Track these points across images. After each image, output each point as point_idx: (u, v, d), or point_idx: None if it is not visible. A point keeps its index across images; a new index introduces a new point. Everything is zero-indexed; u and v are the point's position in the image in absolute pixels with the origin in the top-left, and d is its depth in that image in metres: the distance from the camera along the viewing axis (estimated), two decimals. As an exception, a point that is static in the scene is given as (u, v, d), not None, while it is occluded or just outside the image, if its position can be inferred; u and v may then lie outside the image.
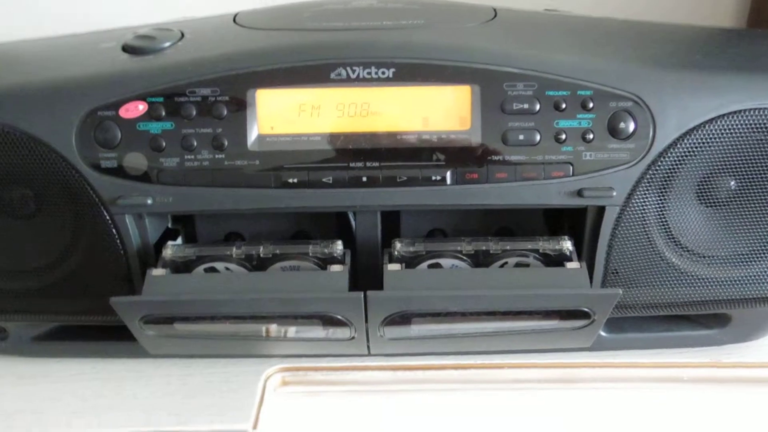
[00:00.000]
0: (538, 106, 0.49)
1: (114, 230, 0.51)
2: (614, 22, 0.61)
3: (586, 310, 0.48)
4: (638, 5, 0.89)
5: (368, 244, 0.53)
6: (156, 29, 0.56)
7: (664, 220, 0.52)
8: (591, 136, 0.50)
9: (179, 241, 0.57)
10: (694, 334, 0.59)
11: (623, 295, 0.54)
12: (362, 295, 0.46)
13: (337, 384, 0.60)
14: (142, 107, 0.49)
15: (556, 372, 0.59)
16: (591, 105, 0.49)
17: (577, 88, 0.49)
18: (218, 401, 0.56)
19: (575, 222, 0.54)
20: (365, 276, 0.53)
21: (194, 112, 0.49)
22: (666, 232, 0.53)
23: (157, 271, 0.50)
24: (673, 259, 0.54)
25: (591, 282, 0.52)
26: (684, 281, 0.54)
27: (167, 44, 0.53)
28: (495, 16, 0.57)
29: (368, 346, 0.53)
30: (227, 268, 0.51)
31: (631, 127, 0.49)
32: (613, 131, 0.49)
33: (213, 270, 0.51)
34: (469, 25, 0.55)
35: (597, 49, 0.53)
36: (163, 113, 0.49)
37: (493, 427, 0.61)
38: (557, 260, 0.51)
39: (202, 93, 0.49)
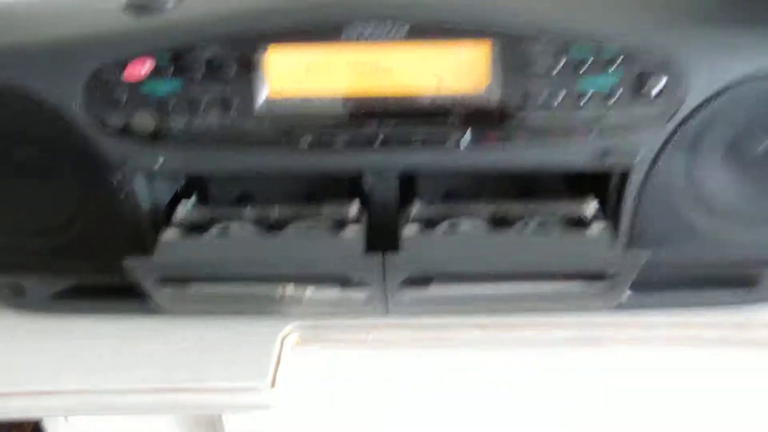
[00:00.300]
0: (561, 65, 0.47)
1: (124, 192, 0.50)
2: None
3: (610, 272, 0.47)
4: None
5: (384, 206, 0.52)
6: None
7: (691, 180, 0.50)
8: (617, 95, 0.47)
9: (192, 201, 0.56)
10: (720, 295, 0.58)
11: (649, 258, 0.53)
12: (380, 257, 0.45)
13: (356, 343, 0.60)
14: (148, 67, 0.48)
15: (579, 333, 0.58)
16: (617, 63, 0.46)
17: (603, 46, 0.46)
18: (235, 359, 0.56)
19: (599, 184, 0.52)
20: (381, 238, 0.52)
21: (201, 73, 0.48)
22: (693, 193, 0.51)
23: (169, 233, 0.49)
24: (701, 221, 0.52)
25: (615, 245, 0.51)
26: (711, 242, 0.52)
27: (171, 2, 0.51)
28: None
29: (387, 306, 0.53)
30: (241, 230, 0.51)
31: (660, 86, 0.47)
32: (641, 91, 0.47)
33: (226, 232, 0.51)
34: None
35: (625, 3, 0.49)
36: (170, 73, 0.48)
37: (514, 387, 0.61)
38: (580, 223, 0.50)
39: (209, 53, 0.47)
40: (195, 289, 0.48)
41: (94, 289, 0.60)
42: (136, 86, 0.48)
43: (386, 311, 0.54)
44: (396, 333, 0.59)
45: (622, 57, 0.46)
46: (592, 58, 0.47)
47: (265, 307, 0.53)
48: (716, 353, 0.58)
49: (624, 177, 0.49)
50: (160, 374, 0.55)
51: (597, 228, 0.48)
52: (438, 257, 0.46)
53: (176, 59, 0.47)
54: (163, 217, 0.52)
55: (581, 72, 0.47)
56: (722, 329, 0.58)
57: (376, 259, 0.45)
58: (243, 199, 0.57)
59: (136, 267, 0.47)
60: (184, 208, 0.51)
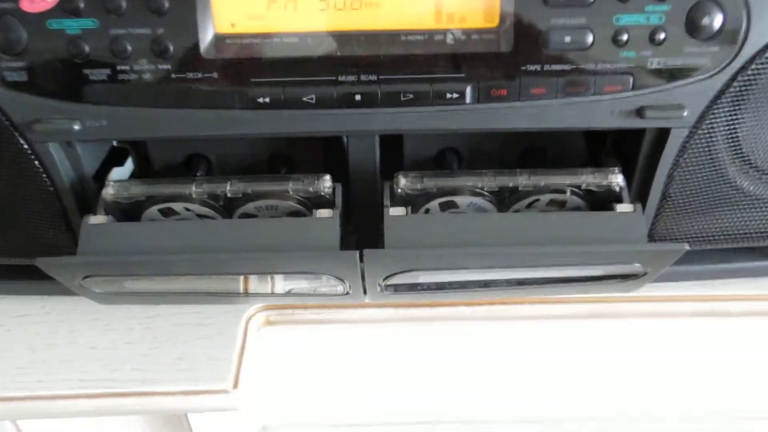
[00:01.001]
0: (593, -7, 0.36)
1: (36, 161, 0.40)
2: None
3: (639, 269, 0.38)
4: None
5: (364, 172, 0.42)
6: None
7: (736, 137, 0.41)
8: (662, 35, 0.37)
9: (128, 165, 0.46)
10: (754, 266, 0.50)
11: (681, 228, 0.44)
12: (357, 256, 0.36)
13: (330, 323, 0.51)
14: (52, -4, 0.36)
15: (585, 307, 0.51)
16: (665, -8, 0.36)
17: (648, -32, 0.36)
18: (190, 351, 0.48)
19: (623, 142, 0.43)
20: (361, 215, 0.43)
21: (124, 5, 0.36)
22: (737, 151, 0.42)
23: (96, 218, 0.39)
24: (744, 183, 0.43)
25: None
26: (754, 208, 0.44)
27: None
28: None
29: (365, 296, 0.44)
30: (187, 210, 0.41)
31: (718, 22, 0.37)
32: (693, 28, 0.37)
33: (170, 211, 0.41)
34: None
35: None
36: (82, 5, 0.36)
37: (521, 366, 0.54)
38: (603, 197, 0.40)
39: (133, -24, 0.36)
40: (131, 284, 0.38)
41: (19, 266, 0.50)
42: (38, 22, 0.36)
43: (364, 299, 0.45)
44: (376, 312, 0.51)
45: (671, -16, 0.36)
46: (633, -15, 0.36)
47: (223, 300, 0.43)
48: (741, 325, 0.52)
49: (661, 138, 0.40)
50: (103, 374, 0.47)
51: (624, 208, 0.39)
52: (426, 251, 0.37)
53: (90, -15, 0.36)
54: (91, 191, 0.42)
55: (619, 4, 0.36)
56: (750, 301, 0.51)
57: (353, 256, 0.36)
58: (192, 166, 0.46)
59: (52, 266, 0.36)
60: (114, 182, 0.40)
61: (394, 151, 0.45)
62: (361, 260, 0.37)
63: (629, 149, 0.43)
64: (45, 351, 0.48)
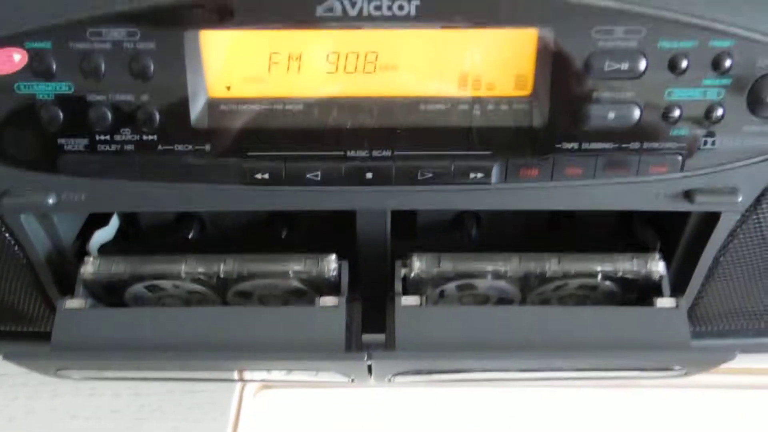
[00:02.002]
0: (643, 65, 0.31)
1: (7, 234, 0.36)
2: None
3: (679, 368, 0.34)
4: None
5: (373, 247, 0.38)
6: None
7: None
8: (720, 112, 0.32)
9: (113, 223, 0.41)
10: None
11: (724, 308, 0.40)
12: (365, 359, 0.32)
13: (331, 387, 0.47)
14: (18, 57, 0.32)
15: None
16: (728, 64, 0.31)
17: (710, 36, 0.31)
18: (180, 425, 0.44)
19: (662, 222, 0.38)
20: (369, 284, 0.39)
21: (103, 66, 0.31)
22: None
23: (73, 302, 0.35)
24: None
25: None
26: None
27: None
28: None
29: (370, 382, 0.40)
30: (176, 287, 0.36)
31: (785, 99, 0.32)
32: (756, 105, 0.32)
33: (156, 287, 0.36)
34: None
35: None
36: (54, 67, 0.31)
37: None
38: (643, 287, 0.36)
39: (114, 35, 0.31)
40: (113, 374, 0.34)
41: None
42: (3, 86, 0.32)
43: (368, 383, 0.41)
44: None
45: (735, 54, 0.31)
46: (690, 56, 0.31)
47: (215, 381, 0.39)
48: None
49: (710, 222, 0.35)
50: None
51: (666, 303, 0.35)
52: (444, 356, 0.32)
53: (62, 46, 0.31)
54: (70, 259, 0.38)
55: (673, 77, 0.31)
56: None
57: (360, 359, 0.32)
58: (184, 224, 0.42)
59: (22, 360, 0.32)
60: (93, 263, 0.36)
61: (406, 214, 0.41)
62: (370, 367, 0.33)
63: (670, 220, 0.39)
64: (23, 419, 0.45)
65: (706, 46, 0.31)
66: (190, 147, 0.33)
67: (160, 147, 0.33)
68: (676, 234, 0.38)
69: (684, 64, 0.32)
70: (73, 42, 0.31)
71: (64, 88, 0.32)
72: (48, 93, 0.32)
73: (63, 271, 0.38)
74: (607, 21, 0.31)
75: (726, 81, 0.32)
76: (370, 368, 0.34)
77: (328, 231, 0.40)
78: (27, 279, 0.38)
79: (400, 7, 0.31)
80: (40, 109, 0.32)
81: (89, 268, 0.36)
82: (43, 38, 0.31)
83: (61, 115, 0.32)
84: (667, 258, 0.38)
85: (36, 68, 0.32)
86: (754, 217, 0.36)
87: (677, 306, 0.35)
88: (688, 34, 0.31)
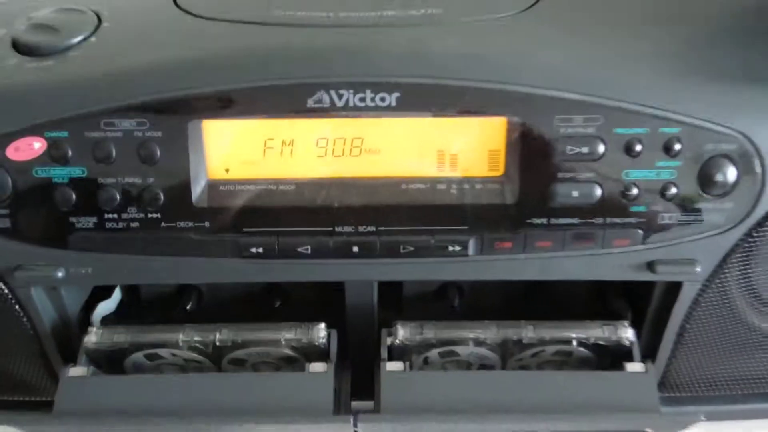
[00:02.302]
0: (602, 149, 0.35)
1: (17, 306, 0.38)
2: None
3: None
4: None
5: (361, 316, 0.41)
6: (61, 11, 0.39)
7: (752, 286, 0.40)
8: (674, 191, 0.36)
9: (115, 296, 0.44)
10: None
11: (695, 375, 0.42)
12: (351, 422, 0.34)
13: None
14: (38, 145, 0.35)
15: None
16: (677, 148, 0.35)
17: (660, 124, 0.35)
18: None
19: (635, 291, 0.41)
20: (358, 351, 0.41)
21: (114, 153, 0.35)
22: (755, 297, 0.40)
23: (75, 370, 0.37)
24: (762, 325, 0.41)
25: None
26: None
27: (76, 39, 0.38)
28: (537, -2, 0.41)
29: None
30: (174, 355, 0.39)
31: (732, 178, 0.35)
32: (706, 184, 0.36)
33: (155, 355, 0.39)
34: (504, 15, 0.39)
35: (690, 59, 0.37)
36: (70, 154, 0.35)
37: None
38: (614, 352, 0.38)
39: (125, 125, 0.35)
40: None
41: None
42: (23, 170, 0.35)
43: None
44: None
45: (684, 139, 0.35)
46: (644, 141, 0.35)
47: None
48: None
49: (672, 291, 0.38)
50: None
51: (635, 368, 0.37)
52: (423, 418, 0.34)
53: (78, 135, 0.34)
54: (74, 331, 0.40)
55: (629, 159, 0.35)
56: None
57: (346, 422, 0.34)
58: (183, 296, 0.44)
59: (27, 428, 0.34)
60: (96, 333, 0.38)
61: (393, 286, 0.43)
62: (355, 421, 0.35)
63: (639, 290, 0.41)
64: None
65: (657, 132, 0.35)
66: (191, 224, 0.36)
67: (163, 224, 0.36)
68: (645, 303, 0.41)
69: (638, 148, 0.35)
70: (88, 131, 0.35)
71: (77, 172, 0.35)
72: (63, 176, 0.35)
73: (67, 341, 0.40)
74: (568, 110, 0.35)
75: (677, 163, 0.35)
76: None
77: (319, 301, 0.43)
78: (32, 349, 0.40)
79: (382, 99, 0.35)
80: (54, 190, 0.35)
81: (92, 338, 0.38)
82: (61, 128, 0.35)
83: (73, 196, 0.36)
84: (638, 326, 0.41)
85: (53, 155, 0.35)
86: (714, 286, 0.38)
87: (646, 371, 0.37)
88: (641, 121, 0.35)
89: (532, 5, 0.40)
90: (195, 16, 0.39)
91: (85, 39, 0.38)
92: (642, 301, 0.41)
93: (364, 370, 0.40)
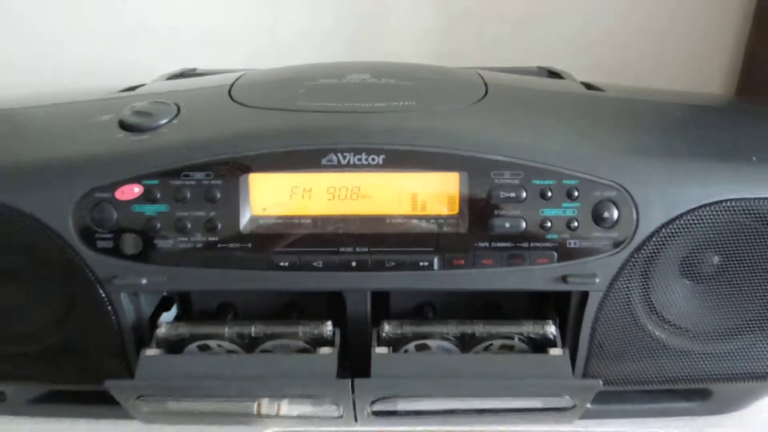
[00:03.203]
0: (524, 195, 0.50)
1: (109, 307, 0.52)
2: (608, 99, 0.62)
3: (567, 397, 0.49)
4: (636, 67, 0.90)
5: (358, 320, 0.55)
6: (153, 103, 0.57)
7: (647, 297, 0.53)
8: (576, 224, 0.51)
9: (174, 311, 0.58)
10: (676, 406, 0.61)
11: (609, 371, 0.55)
12: (349, 383, 0.48)
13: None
14: (137, 189, 0.51)
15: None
16: (576, 194, 0.50)
17: (563, 177, 0.50)
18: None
19: (560, 300, 0.55)
20: (355, 352, 0.54)
21: (188, 195, 0.50)
22: (650, 308, 0.54)
23: (151, 351, 0.51)
24: (658, 334, 0.55)
25: (575, 361, 0.54)
26: (668, 355, 0.55)
27: (163, 121, 0.54)
28: (486, 94, 0.58)
29: (356, 418, 0.54)
30: (219, 346, 0.53)
31: (615, 216, 0.50)
32: (598, 220, 0.51)
33: (206, 347, 0.53)
34: (459, 106, 0.56)
35: (585, 136, 0.53)
36: (158, 195, 0.50)
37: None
38: (542, 343, 0.52)
39: (197, 177, 0.51)
40: (172, 405, 0.49)
41: (71, 393, 0.61)
42: (125, 207, 0.51)
43: (356, 422, 0.55)
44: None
45: (579, 188, 0.50)
46: (552, 189, 0.50)
47: (241, 421, 0.54)
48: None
49: (583, 299, 0.52)
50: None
51: (555, 352, 0.51)
52: (404, 381, 0.48)
53: (165, 183, 0.50)
54: (145, 330, 0.54)
55: (543, 202, 0.50)
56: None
57: (346, 383, 0.48)
58: (223, 311, 0.59)
59: (118, 387, 0.48)
60: (166, 324, 0.53)
61: (383, 305, 0.58)
62: (353, 389, 0.48)
63: (564, 306, 0.55)
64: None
65: (562, 183, 0.51)
66: (238, 245, 0.51)
67: (219, 245, 0.51)
68: (567, 312, 0.55)
69: (549, 194, 0.50)
70: (172, 180, 0.51)
71: (163, 208, 0.51)
72: (152, 211, 0.51)
73: (140, 339, 0.54)
74: (500, 168, 0.50)
75: (577, 204, 0.51)
76: (354, 401, 0.49)
77: (326, 315, 0.57)
78: (115, 342, 0.54)
79: (373, 159, 0.50)
80: (145, 222, 0.51)
81: (162, 330, 0.52)
82: (154, 178, 0.51)
83: (158, 225, 0.51)
84: (563, 330, 0.55)
85: (147, 196, 0.51)
86: (612, 294, 0.52)
87: (563, 354, 0.51)
88: (550, 176, 0.50)
89: (480, 100, 0.57)
90: (244, 105, 0.57)
91: (169, 121, 0.54)
92: (566, 312, 0.55)
93: (360, 368, 0.54)
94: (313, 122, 0.53)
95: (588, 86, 0.65)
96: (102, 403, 0.59)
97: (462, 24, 0.90)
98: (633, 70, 0.91)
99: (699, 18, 0.89)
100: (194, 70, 0.77)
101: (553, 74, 0.73)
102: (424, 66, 0.67)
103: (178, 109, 0.56)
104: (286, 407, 0.52)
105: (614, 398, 0.60)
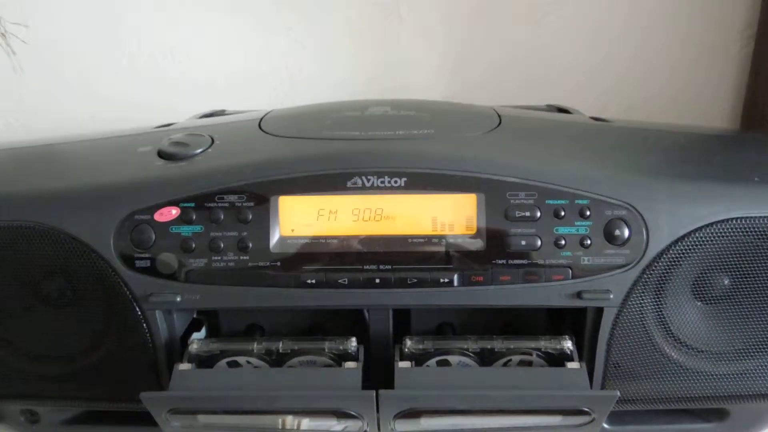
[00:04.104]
0: (539, 214, 0.53)
1: (144, 324, 0.55)
2: (615, 128, 0.65)
3: (585, 409, 0.51)
4: (644, 106, 0.95)
5: (381, 338, 0.57)
6: (188, 135, 0.61)
7: (661, 317, 0.55)
8: (588, 242, 0.53)
9: (203, 331, 0.61)
10: (693, 427, 0.62)
11: (624, 389, 0.57)
12: (374, 394, 0.49)
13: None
14: (175, 212, 0.54)
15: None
16: (588, 213, 0.53)
17: (575, 198, 0.53)
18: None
19: (576, 319, 0.57)
20: (378, 369, 0.56)
21: (222, 217, 0.54)
22: (664, 328, 0.56)
23: (184, 366, 0.53)
24: (673, 354, 0.56)
25: (592, 378, 0.55)
26: (683, 375, 0.57)
27: (198, 151, 0.58)
28: (499, 123, 0.62)
29: (380, 436, 0.56)
30: (248, 362, 0.55)
31: (626, 234, 0.53)
32: (609, 237, 0.53)
33: (235, 363, 0.55)
34: (476, 134, 0.60)
35: (595, 159, 0.57)
36: (194, 217, 0.54)
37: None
38: (559, 358, 0.54)
39: (230, 199, 0.54)
40: (202, 420, 0.51)
41: (103, 415, 0.63)
42: (163, 228, 0.54)
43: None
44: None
45: (591, 208, 0.53)
46: (565, 209, 0.53)
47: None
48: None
49: (598, 315, 0.54)
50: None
51: (573, 366, 0.53)
52: (427, 394, 0.50)
53: (200, 205, 0.54)
54: (177, 349, 0.56)
55: (557, 220, 0.53)
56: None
57: (370, 394, 0.49)
58: (251, 329, 0.61)
59: (152, 400, 0.50)
60: (198, 340, 0.55)
61: (404, 326, 0.60)
62: (377, 400, 0.50)
63: (580, 326, 0.57)
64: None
65: (574, 203, 0.53)
66: (268, 264, 0.54)
67: (249, 264, 0.54)
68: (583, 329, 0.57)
69: (562, 213, 0.53)
70: (207, 203, 0.54)
71: (198, 229, 0.54)
72: (188, 232, 0.54)
73: (171, 359, 0.57)
74: (515, 189, 0.53)
75: (589, 222, 0.53)
76: (378, 408, 0.51)
77: (350, 334, 0.59)
78: (148, 359, 0.56)
79: (395, 182, 0.54)
80: (181, 241, 0.54)
81: (194, 345, 0.55)
82: (190, 201, 0.54)
83: (193, 245, 0.54)
84: (579, 348, 0.56)
85: (183, 218, 0.54)
86: (626, 310, 0.54)
87: (580, 367, 0.53)
88: (562, 195, 0.53)
89: (494, 128, 0.61)
90: (273, 135, 0.61)
91: (204, 150, 0.58)
92: (582, 329, 0.57)
93: (383, 384, 0.55)
94: (339, 148, 0.57)
95: (595, 119, 0.69)
96: (134, 424, 0.62)
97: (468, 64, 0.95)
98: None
99: (698, 65, 0.94)
100: (223, 111, 0.81)
101: (562, 111, 0.76)
102: (440, 101, 0.71)
103: (212, 140, 0.60)
104: (307, 422, 0.53)
105: (632, 419, 0.61)
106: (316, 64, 0.94)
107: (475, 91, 0.94)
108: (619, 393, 0.50)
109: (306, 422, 0.54)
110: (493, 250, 0.53)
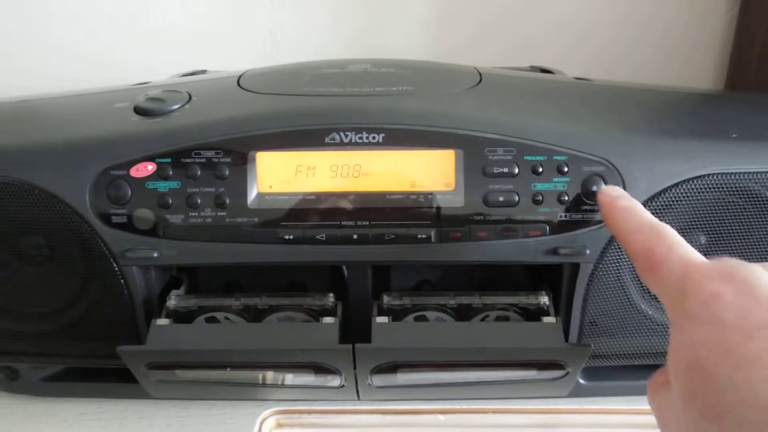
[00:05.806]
0: (517, 170, 0.53)
1: (122, 281, 0.55)
2: (597, 86, 0.65)
3: (560, 362, 0.51)
4: (628, 67, 0.94)
5: (359, 295, 0.57)
6: (165, 91, 0.60)
7: (635, 273, 0.56)
8: (566, 198, 0.53)
9: (182, 289, 0.61)
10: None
11: (600, 345, 0.57)
12: (351, 347, 0.50)
13: (330, 427, 0.63)
14: (151, 167, 0.54)
15: (538, 417, 0.62)
16: (566, 169, 0.53)
17: (552, 153, 0.53)
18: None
19: (554, 275, 0.58)
20: (356, 326, 0.57)
21: (199, 173, 0.53)
22: (640, 284, 0.56)
23: (161, 321, 0.53)
24: (648, 310, 0.57)
25: (568, 333, 0.56)
26: (658, 331, 0.57)
27: (175, 107, 0.58)
28: (480, 81, 0.62)
29: (357, 393, 0.56)
30: (227, 318, 0.55)
31: (603, 189, 0.53)
32: (587, 193, 0.53)
33: (213, 319, 0.55)
34: (455, 91, 0.59)
35: (573, 115, 0.57)
36: (171, 173, 0.53)
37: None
38: (536, 314, 0.55)
39: (207, 155, 0.53)
40: (181, 375, 0.52)
41: (83, 372, 0.63)
42: (140, 184, 0.53)
43: (357, 397, 0.57)
44: (367, 419, 0.62)
45: (569, 164, 0.53)
46: (543, 165, 0.53)
47: (246, 393, 0.56)
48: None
49: (574, 271, 0.55)
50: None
51: (548, 320, 0.53)
52: (403, 347, 0.50)
53: (177, 161, 0.53)
54: (155, 305, 0.56)
55: (535, 177, 0.53)
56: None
57: (347, 349, 0.50)
58: (230, 286, 0.61)
59: (128, 353, 0.50)
60: (175, 296, 0.55)
61: (383, 284, 0.60)
62: (354, 354, 0.51)
63: (557, 283, 0.58)
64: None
65: (552, 159, 0.53)
66: (246, 220, 0.54)
67: (227, 220, 0.54)
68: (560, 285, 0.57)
69: (540, 169, 0.53)
70: (183, 158, 0.53)
71: (174, 185, 0.53)
72: (165, 187, 0.53)
73: (150, 313, 0.57)
74: (493, 145, 0.53)
75: (567, 179, 0.53)
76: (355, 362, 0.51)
77: (330, 289, 0.59)
78: (127, 316, 0.56)
79: (373, 138, 0.53)
80: (158, 197, 0.54)
81: (172, 301, 0.55)
82: (167, 156, 0.53)
83: (170, 200, 0.53)
84: (556, 304, 0.57)
85: (160, 173, 0.53)
86: (602, 266, 0.55)
87: (556, 321, 0.53)
88: (540, 152, 0.53)
89: (475, 85, 0.61)
90: (252, 92, 0.60)
91: (181, 106, 0.58)
92: (559, 286, 0.58)
93: (361, 340, 0.56)
94: (317, 104, 0.56)
95: (578, 79, 0.68)
96: (113, 381, 0.62)
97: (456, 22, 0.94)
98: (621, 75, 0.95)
99: (686, 28, 0.94)
100: (204, 71, 0.80)
101: (546, 71, 0.76)
102: (421, 60, 0.71)
103: (189, 97, 0.59)
104: (290, 377, 0.54)
105: (607, 375, 0.62)
106: (298, 26, 0.93)
107: (460, 53, 0.93)
108: (592, 346, 0.51)
109: (287, 377, 0.54)
110: (471, 207, 0.53)
